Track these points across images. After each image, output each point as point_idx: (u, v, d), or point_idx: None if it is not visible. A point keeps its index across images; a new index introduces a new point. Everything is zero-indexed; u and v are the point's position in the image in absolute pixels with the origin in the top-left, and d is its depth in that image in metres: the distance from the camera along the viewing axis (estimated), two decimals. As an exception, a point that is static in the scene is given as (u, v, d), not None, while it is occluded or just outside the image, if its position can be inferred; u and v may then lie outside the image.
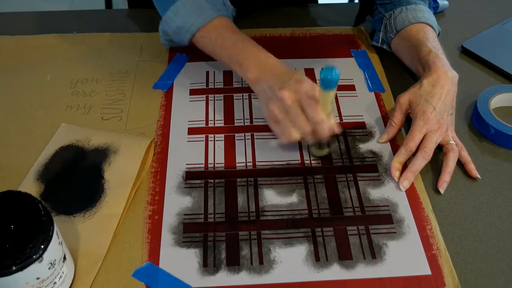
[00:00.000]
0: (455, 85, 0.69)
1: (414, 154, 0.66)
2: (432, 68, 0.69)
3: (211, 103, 0.76)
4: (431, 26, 0.78)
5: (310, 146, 0.69)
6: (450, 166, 0.65)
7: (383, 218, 0.61)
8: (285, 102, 0.62)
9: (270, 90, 0.64)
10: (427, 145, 0.65)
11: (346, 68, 0.82)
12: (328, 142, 0.67)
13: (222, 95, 0.77)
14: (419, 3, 0.81)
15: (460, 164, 0.68)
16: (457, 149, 0.67)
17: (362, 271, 0.56)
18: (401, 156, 0.66)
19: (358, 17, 0.89)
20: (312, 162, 0.68)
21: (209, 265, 0.57)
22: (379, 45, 0.85)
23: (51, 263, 0.49)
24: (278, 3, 0.96)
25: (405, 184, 0.64)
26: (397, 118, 0.70)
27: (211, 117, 0.74)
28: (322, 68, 0.60)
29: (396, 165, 0.66)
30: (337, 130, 0.64)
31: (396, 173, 0.65)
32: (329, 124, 0.63)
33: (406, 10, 0.80)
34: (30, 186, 0.63)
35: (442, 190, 0.64)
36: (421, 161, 0.65)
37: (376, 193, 0.64)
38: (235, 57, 0.71)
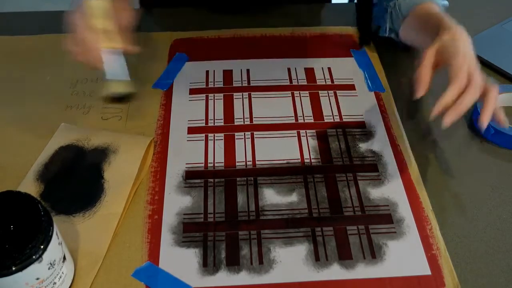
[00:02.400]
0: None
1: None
2: (447, 26, 0.68)
3: (211, 102, 0.76)
4: (437, 4, 0.77)
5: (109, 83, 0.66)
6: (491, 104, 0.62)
7: (383, 218, 0.61)
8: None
9: None
10: (476, 79, 0.61)
11: (346, 68, 0.82)
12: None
13: (222, 94, 0.77)
14: None
15: (459, 163, 0.68)
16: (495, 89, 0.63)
17: (362, 271, 0.56)
18: (452, 92, 0.61)
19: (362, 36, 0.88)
20: (312, 161, 0.68)
21: (209, 265, 0.57)
22: (386, 35, 0.83)
23: (50, 263, 0.49)
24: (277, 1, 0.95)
25: (448, 120, 0.59)
26: (426, 72, 0.64)
27: (210, 116, 0.74)
28: None
29: (446, 100, 0.60)
30: (132, 48, 0.62)
31: (440, 108, 0.60)
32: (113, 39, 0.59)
33: None
34: (30, 186, 0.63)
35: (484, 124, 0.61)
36: (470, 98, 0.61)
37: (376, 193, 0.64)
38: None
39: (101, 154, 0.67)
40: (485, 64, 0.83)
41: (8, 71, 0.81)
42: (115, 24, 0.60)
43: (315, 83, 0.79)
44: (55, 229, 0.49)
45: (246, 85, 0.79)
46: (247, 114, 0.74)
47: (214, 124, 0.73)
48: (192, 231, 0.60)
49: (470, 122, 0.74)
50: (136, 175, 0.64)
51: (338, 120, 0.74)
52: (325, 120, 0.73)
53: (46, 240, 0.48)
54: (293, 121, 0.73)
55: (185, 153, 0.69)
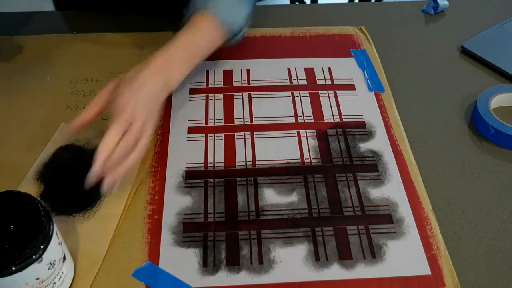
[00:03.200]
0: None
1: None
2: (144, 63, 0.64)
3: (211, 102, 0.76)
4: (221, 20, 0.69)
5: None
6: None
7: (383, 218, 0.61)
8: None
9: None
10: (136, 127, 0.59)
11: (346, 68, 0.82)
12: None
13: (222, 94, 0.77)
14: None
15: (459, 163, 0.68)
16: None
17: (362, 271, 0.56)
18: (113, 135, 0.58)
19: None
20: (312, 161, 0.68)
21: (209, 265, 0.57)
22: None
23: (50, 263, 0.49)
24: None
25: (108, 184, 0.56)
26: (92, 108, 0.62)
27: (211, 116, 0.74)
28: None
29: (107, 145, 0.57)
30: None
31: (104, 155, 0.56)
32: None
33: None
34: (30, 186, 0.63)
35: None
36: (135, 155, 0.58)
37: (376, 193, 0.64)
38: None
39: (101, 154, 0.66)
40: (485, 64, 0.84)
41: (8, 71, 0.81)
42: None
43: (315, 83, 0.79)
44: (55, 229, 0.49)
45: (246, 85, 0.79)
46: (247, 114, 0.74)
47: (214, 124, 0.73)
48: (192, 231, 0.60)
49: (470, 122, 0.74)
50: (136, 175, 0.64)
51: (338, 120, 0.74)
52: (325, 120, 0.73)
53: (46, 240, 0.48)
54: (293, 121, 0.73)
55: (185, 153, 0.69)
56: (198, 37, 0.69)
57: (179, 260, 0.57)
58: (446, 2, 0.96)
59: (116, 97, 0.60)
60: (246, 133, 0.71)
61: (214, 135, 0.71)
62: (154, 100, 0.62)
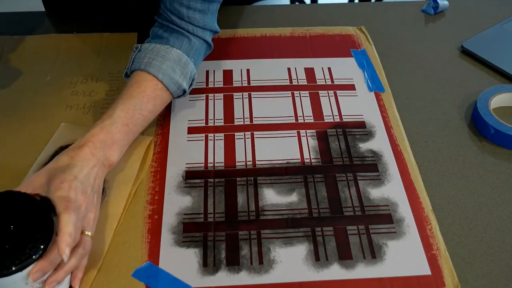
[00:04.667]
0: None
1: None
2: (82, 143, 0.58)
3: (211, 102, 0.76)
4: (164, 84, 0.65)
5: None
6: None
7: (383, 218, 0.61)
8: None
9: None
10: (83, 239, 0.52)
11: (346, 68, 0.82)
12: None
13: (221, 94, 0.77)
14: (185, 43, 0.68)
15: (459, 163, 0.68)
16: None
17: (362, 271, 0.56)
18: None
19: None
20: (312, 161, 0.68)
21: (209, 265, 0.57)
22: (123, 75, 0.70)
23: (50, 263, 0.49)
24: None
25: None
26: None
27: (210, 116, 0.74)
28: None
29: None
30: None
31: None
32: None
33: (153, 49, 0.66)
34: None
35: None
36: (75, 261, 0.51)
37: (376, 193, 0.64)
38: None
39: (101, 154, 0.66)
40: (485, 64, 0.84)
41: (8, 71, 0.81)
42: None
43: (315, 83, 0.79)
44: (55, 229, 0.49)
45: (246, 85, 0.79)
46: (247, 114, 0.74)
47: (214, 124, 0.73)
48: (192, 231, 0.60)
49: (470, 122, 0.74)
50: (136, 175, 0.64)
51: (338, 120, 0.74)
52: (325, 120, 0.73)
53: (46, 240, 0.48)
54: (293, 121, 0.73)
55: (185, 153, 0.69)
56: (139, 106, 0.63)
57: (179, 260, 0.57)
58: (446, 2, 0.96)
59: (55, 185, 0.52)
60: (246, 133, 0.71)
61: (214, 135, 0.71)
62: (92, 184, 0.56)
